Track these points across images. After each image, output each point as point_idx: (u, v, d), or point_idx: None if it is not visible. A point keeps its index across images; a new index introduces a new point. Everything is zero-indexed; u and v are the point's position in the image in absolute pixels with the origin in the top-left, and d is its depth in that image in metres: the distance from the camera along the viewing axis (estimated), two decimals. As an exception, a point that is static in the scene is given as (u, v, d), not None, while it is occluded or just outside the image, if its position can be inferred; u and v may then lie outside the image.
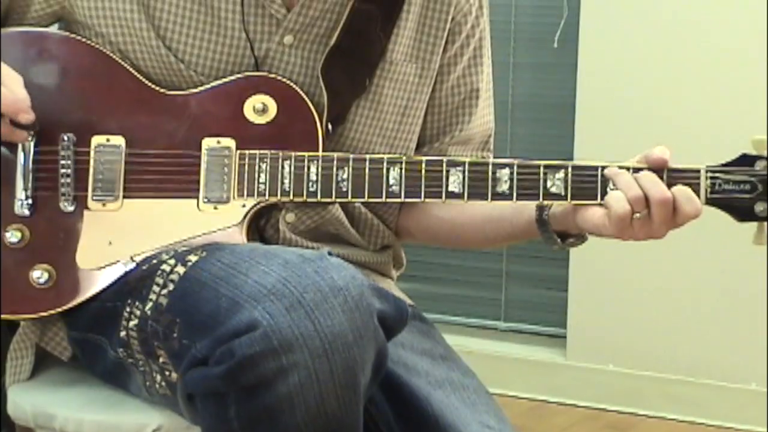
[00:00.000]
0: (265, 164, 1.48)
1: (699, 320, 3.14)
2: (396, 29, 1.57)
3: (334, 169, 1.47)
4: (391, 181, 1.47)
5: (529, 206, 1.50)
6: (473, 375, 1.58)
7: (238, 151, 1.49)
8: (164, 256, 1.43)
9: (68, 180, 1.49)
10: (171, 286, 1.37)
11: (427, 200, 1.47)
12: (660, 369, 3.19)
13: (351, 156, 1.48)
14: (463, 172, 1.46)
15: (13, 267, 1.48)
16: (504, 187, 1.45)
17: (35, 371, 1.56)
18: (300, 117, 1.50)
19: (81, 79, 1.51)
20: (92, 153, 1.49)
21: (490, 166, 1.45)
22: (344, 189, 1.47)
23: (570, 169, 1.44)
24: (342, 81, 1.53)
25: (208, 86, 1.51)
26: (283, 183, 1.48)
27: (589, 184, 1.44)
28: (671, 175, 1.42)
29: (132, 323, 1.42)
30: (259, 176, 1.48)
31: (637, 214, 1.41)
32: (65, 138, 1.49)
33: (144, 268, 1.44)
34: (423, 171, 1.46)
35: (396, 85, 1.59)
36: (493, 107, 1.71)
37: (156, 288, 1.39)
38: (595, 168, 1.44)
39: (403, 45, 1.59)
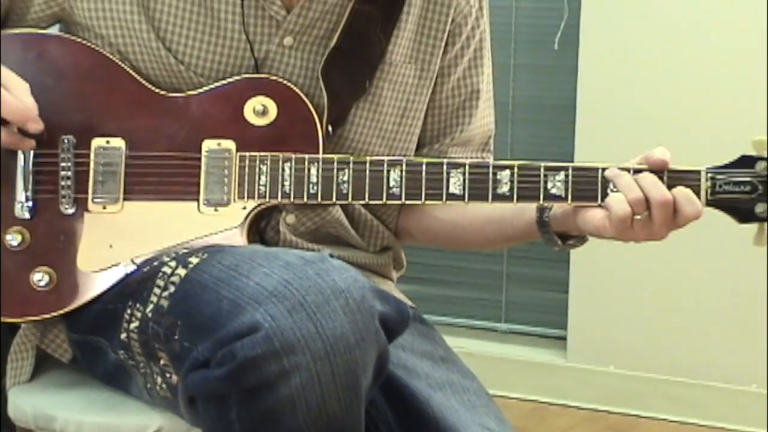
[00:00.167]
0: (265, 166, 1.48)
1: (700, 322, 3.14)
2: (396, 31, 1.57)
3: (335, 170, 1.47)
4: (392, 183, 1.47)
5: (530, 207, 1.50)
6: (473, 377, 1.58)
7: (239, 153, 1.48)
8: (165, 258, 1.43)
9: (68, 182, 1.49)
10: (172, 288, 1.37)
11: (427, 202, 1.47)
12: (661, 371, 3.19)
13: (351, 158, 1.47)
14: (464, 173, 1.46)
15: (14, 270, 1.48)
16: (504, 188, 1.45)
17: (35, 373, 1.56)
18: (300, 119, 1.50)
19: (81, 81, 1.51)
20: (92, 155, 1.49)
21: (491, 168, 1.45)
22: (345, 191, 1.47)
23: (570, 171, 1.44)
24: (342, 82, 1.53)
25: (207, 88, 1.51)
26: (283, 185, 1.48)
27: (589, 186, 1.44)
28: (671, 177, 1.42)
29: (133, 325, 1.42)
30: (259, 178, 1.48)
31: (638, 216, 1.41)
32: (65, 140, 1.49)
33: (145, 270, 1.44)
34: (423, 173, 1.46)
35: (395, 86, 1.59)
36: (493, 108, 1.71)
37: (157, 290, 1.39)
38: (596, 169, 1.44)
39: (402, 46, 1.58)
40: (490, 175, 1.45)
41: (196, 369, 1.28)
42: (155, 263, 1.44)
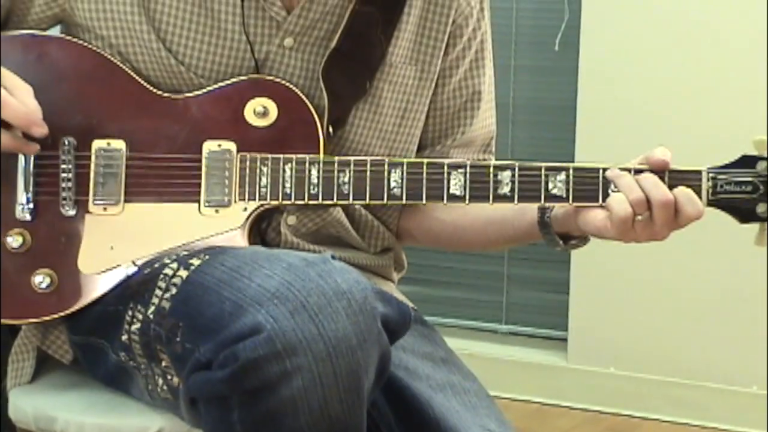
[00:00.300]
0: (266, 167, 1.48)
1: (700, 323, 3.14)
2: (396, 32, 1.57)
3: (336, 172, 1.47)
4: (393, 184, 1.47)
5: (531, 208, 1.50)
6: (474, 378, 1.58)
7: (239, 155, 1.48)
8: (166, 260, 1.42)
9: (69, 184, 1.49)
10: (174, 290, 1.37)
11: (428, 203, 1.47)
12: (661, 372, 3.19)
13: (352, 159, 1.47)
14: (465, 174, 1.46)
15: (15, 272, 1.48)
16: (505, 189, 1.45)
17: (36, 374, 1.56)
18: (301, 120, 1.50)
19: (81, 83, 1.51)
20: (93, 157, 1.49)
21: (492, 169, 1.45)
22: (346, 192, 1.47)
23: (571, 171, 1.44)
24: (342, 84, 1.53)
25: (208, 89, 1.51)
26: (284, 186, 1.47)
27: (590, 186, 1.44)
28: (672, 177, 1.42)
29: (134, 327, 1.42)
30: (260, 179, 1.48)
31: (639, 217, 1.41)
32: (66, 142, 1.49)
33: (146, 271, 1.44)
34: (424, 173, 1.46)
35: (395, 87, 1.59)
36: (494, 110, 1.71)
37: (158, 292, 1.38)
38: (597, 170, 1.44)
39: (402, 48, 1.58)
40: (491, 176, 1.45)
41: (197, 370, 1.28)
42: (156, 265, 1.43)
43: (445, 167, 1.46)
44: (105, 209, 1.49)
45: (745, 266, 3.00)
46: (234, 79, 1.51)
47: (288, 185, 1.47)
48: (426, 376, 1.52)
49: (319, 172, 1.47)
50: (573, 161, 3.06)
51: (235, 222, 1.48)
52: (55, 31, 1.58)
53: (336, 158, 1.47)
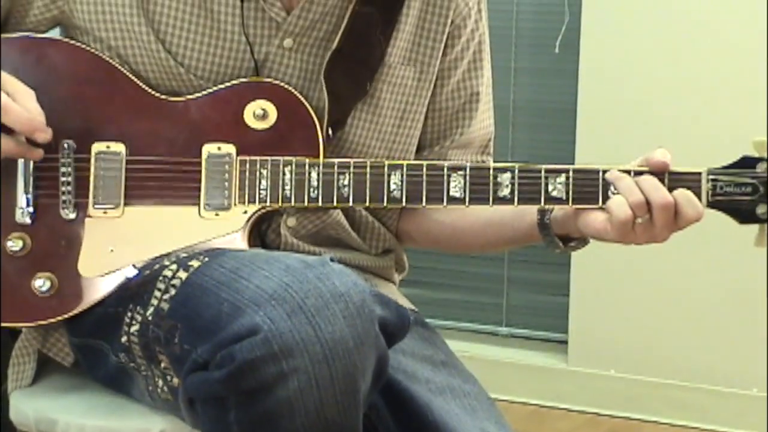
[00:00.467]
0: (265, 170, 1.48)
1: (700, 326, 3.13)
2: (395, 33, 1.57)
3: (335, 174, 1.47)
4: (393, 186, 1.47)
5: (531, 210, 1.50)
6: (474, 381, 1.58)
7: (239, 158, 1.48)
8: (166, 262, 1.42)
9: (69, 188, 1.49)
10: (173, 291, 1.37)
11: (428, 205, 1.47)
12: (662, 374, 3.19)
13: (352, 161, 1.47)
14: (465, 176, 1.46)
15: (15, 275, 1.48)
16: (505, 191, 1.45)
17: (37, 377, 1.56)
18: (300, 122, 1.50)
19: (80, 86, 1.50)
20: (93, 160, 1.49)
21: (492, 171, 1.45)
22: (346, 194, 1.47)
23: (571, 173, 1.44)
24: (343, 85, 1.53)
25: (207, 92, 1.51)
26: (284, 189, 1.47)
27: (590, 188, 1.44)
28: (672, 179, 1.42)
29: (133, 328, 1.42)
30: (260, 182, 1.48)
31: (639, 219, 1.41)
32: (65, 145, 1.49)
33: (146, 273, 1.44)
34: (424, 176, 1.46)
35: (394, 89, 1.59)
36: (492, 111, 1.71)
37: (158, 293, 1.38)
38: (596, 172, 1.44)
39: (400, 48, 1.58)
40: (491, 178, 1.45)
41: (195, 371, 1.28)
42: (156, 267, 1.43)
43: (445, 169, 1.46)
44: (105, 212, 1.49)
45: (745, 268, 3.00)
46: (233, 82, 1.51)
47: (288, 188, 1.47)
48: (425, 379, 1.51)
49: (318, 174, 1.47)
50: (573, 163, 3.05)
51: (236, 225, 1.48)
52: (54, 34, 1.58)
53: (336, 160, 1.47)
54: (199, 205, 1.48)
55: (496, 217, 1.57)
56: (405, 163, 1.47)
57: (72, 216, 1.49)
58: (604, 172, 1.43)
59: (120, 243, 1.48)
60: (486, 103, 1.69)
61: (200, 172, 1.48)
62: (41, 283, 1.47)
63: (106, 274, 1.48)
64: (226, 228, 1.48)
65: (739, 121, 2.93)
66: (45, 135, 1.43)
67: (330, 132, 1.52)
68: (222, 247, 1.46)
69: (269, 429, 1.24)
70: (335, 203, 1.48)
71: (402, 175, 1.47)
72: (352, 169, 1.47)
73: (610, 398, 3.24)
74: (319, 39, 1.54)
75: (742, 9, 2.99)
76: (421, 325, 1.64)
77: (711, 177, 1.42)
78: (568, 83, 3.22)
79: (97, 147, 1.49)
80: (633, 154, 1.49)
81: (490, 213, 1.55)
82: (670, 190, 1.41)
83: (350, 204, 1.48)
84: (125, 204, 1.49)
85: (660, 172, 1.42)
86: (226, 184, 1.48)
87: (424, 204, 1.47)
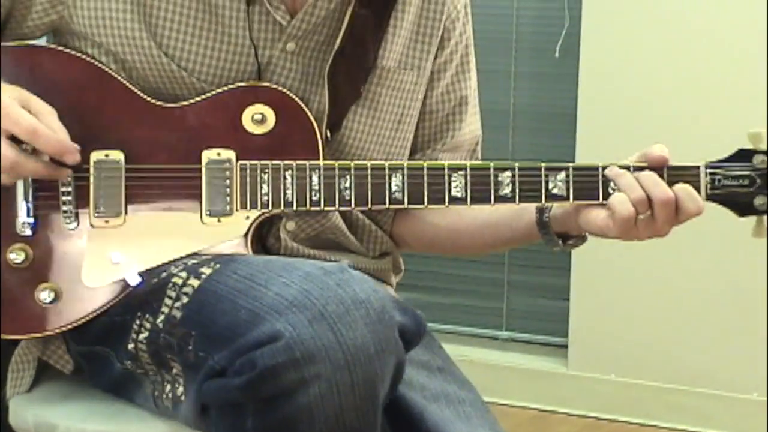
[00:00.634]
0: (266, 175, 1.47)
1: (701, 330, 3.13)
2: (391, 36, 1.58)
3: (336, 177, 1.47)
4: (394, 188, 1.47)
5: (529, 209, 1.51)
6: (471, 387, 1.58)
7: (239, 163, 1.48)
8: (173, 269, 1.42)
9: (69, 197, 1.47)
10: (185, 299, 1.36)
11: (430, 206, 1.47)
12: (662, 379, 3.19)
13: (353, 163, 1.47)
14: (465, 176, 1.46)
15: (18, 287, 1.47)
16: (506, 190, 1.46)
17: (36, 383, 1.55)
18: (299, 126, 1.50)
19: (75, 94, 1.49)
20: (92, 169, 1.48)
21: (492, 170, 1.46)
22: (347, 197, 1.47)
23: (571, 170, 1.45)
24: (342, 87, 1.54)
25: (203, 97, 1.50)
26: (285, 193, 1.47)
27: (590, 185, 1.44)
28: (671, 173, 1.43)
29: (142, 336, 1.41)
30: (261, 187, 1.47)
31: (641, 216, 1.41)
32: None
33: (153, 281, 1.43)
34: (425, 177, 1.46)
35: (393, 92, 1.59)
36: (479, 114, 1.72)
37: (168, 301, 1.38)
38: (596, 168, 1.45)
39: (397, 53, 1.59)
40: (492, 178, 1.46)
41: (212, 378, 1.28)
42: (163, 274, 1.43)
43: (446, 170, 1.46)
44: (107, 221, 1.48)
45: (745, 272, 3.00)
46: (229, 87, 1.50)
47: (289, 192, 1.47)
48: (420, 386, 1.51)
49: (320, 178, 1.47)
50: (573, 168, 3.06)
51: (238, 231, 1.48)
52: (41, 42, 1.56)
53: (336, 163, 1.47)
54: (200, 211, 1.48)
55: (493, 217, 1.57)
56: (406, 164, 1.47)
57: (73, 226, 1.48)
58: (604, 168, 1.44)
59: (123, 252, 1.47)
60: (474, 106, 1.70)
61: (200, 178, 1.48)
62: (45, 294, 1.46)
63: (110, 283, 1.47)
64: (228, 234, 1.48)
65: (739, 126, 2.92)
66: (75, 157, 1.42)
67: (328, 135, 1.53)
68: (231, 254, 1.45)
69: None
70: (337, 206, 1.47)
71: (403, 177, 1.47)
72: (353, 172, 1.47)
73: (611, 402, 3.24)
74: (320, 42, 1.54)
75: (742, 12, 2.99)
76: (419, 330, 1.64)
77: (709, 171, 1.43)
78: (568, 88, 3.22)
79: (96, 155, 1.48)
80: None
81: (487, 214, 1.55)
82: (670, 184, 1.41)
83: (352, 207, 1.48)
84: (126, 212, 1.48)
85: (659, 168, 1.43)
86: (228, 190, 1.48)
87: (426, 205, 1.47)
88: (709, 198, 1.43)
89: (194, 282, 1.37)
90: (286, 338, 1.22)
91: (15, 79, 1.45)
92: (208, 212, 1.48)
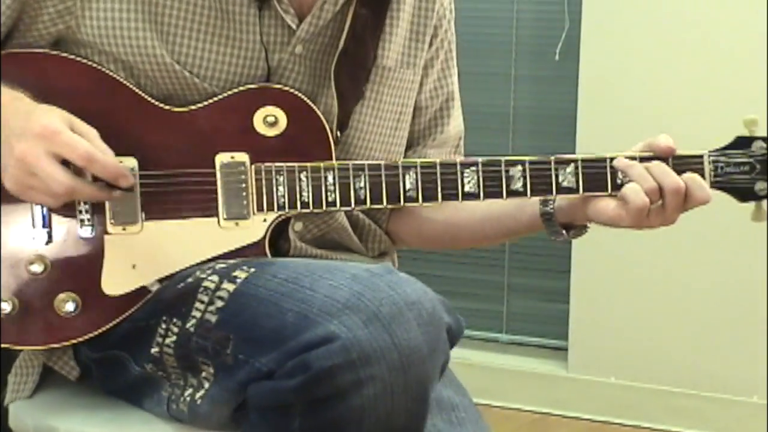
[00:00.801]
0: (282, 177, 1.47)
1: (701, 333, 3.13)
2: (388, 35, 1.59)
3: (351, 177, 1.47)
4: (408, 186, 1.48)
5: (532, 201, 1.52)
6: (465, 392, 1.59)
7: (253, 166, 1.48)
8: (201, 274, 1.42)
9: (86, 206, 1.45)
10: (219, 303, 1.36)
11: (444, 202, 1.48)
12: (662, 381, 3.19)
13: (366, 163, 1.48)
14: (478, 172, 1.47)
15: (38, 297, 1.45)
16: (518, 184, 1.47)
17: (36, 389, 1.54)
18: (310, 127, 1.50)
19: (85, 101, 1.46)
20: None
21: (503, 164, 1.47)
22: (362, 196, 1.48)
23: (580, 163, 1.47)
24: (347, 86, 1.54)
25: (212, 100, 1.49)
26: (301, 195, 1.47)
27: (599, 176, 1.46)
28: (676, 163, 1.46)
29: (169, 340, 1.41)
30: (277, 189, 1.47)
31: (652, 205, 1.44)
32: None
33: (179, 286, 1.43)
34: (438, 174, 1.47)
35: (394, 91, 1.61)
36: (461, 110, 1.73)
37: (200, 305, 1.38)
38: (604, 160, 1.47)
39: (395, 51, 1.60)
40: (503, 172, 1.47)
41: (257, 380, 1.28)
42: (189, 279, 1.42)
43: (458, 166, 1.47)
44: (124, 229, 1.46)
45: (745, 275, 3.00)
46: (239, 89, 1.50)
47: (305, 193, 1.47)
48: None
49: (335, 178, 1.47)
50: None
51: (257, 234, 1.48)
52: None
53: (350, 163, 1.48)
54: (218, 215, 1.47)
55: (493, 210, 1.58)
56: (419, 162, 1.48)
57: (91, 234, 1.46)
58: (611, 159, 1.46)
59: (142, 259, 1.46)
60: (458, 101, 1.72)
61: (216, 182, 1.47)
62: (66, 303, 1.45)
63: (131, 290, 1.46)
64: (247, 237, 1.48)
65: (741, 128, 2.92)
66: (129, 180, 1.41)
67: (338, 135, 1.53)
68: (247, 257, 1.45)
69: None
70: (353, 206, 1.48)
71: (416, 174, 1.48)
72: (367, 171, 1.47)
73: (610, 405, 3.24)
74: (324, 44, 1.55)
75: (742, 15, 2.99)
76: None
77: (712, 158, 1.47)
78: (568, 90, 3.23)
79: None
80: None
81: (486, 207, 1.56)
82: (677, 173, 1.44)
83: (368, 205, 1.48)
84: (144, 219, 1.46)
85: (665, 157, 1.45)
86: (244, 193, 1.47)
87: (440, 201, 1.48)
88: (713, 185, 1.46)
89: (229, 286, 1.37)
90: (342, 339, 1.22)
91: (23, 85, 1.43)
92: (225, 216, 1.47)
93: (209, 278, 1.40)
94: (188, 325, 1.38)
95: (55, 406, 1.52)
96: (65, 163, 1.36)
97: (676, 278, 3.12)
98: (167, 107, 1.49)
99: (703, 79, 3.05)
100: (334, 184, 1.47)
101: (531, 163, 1.47)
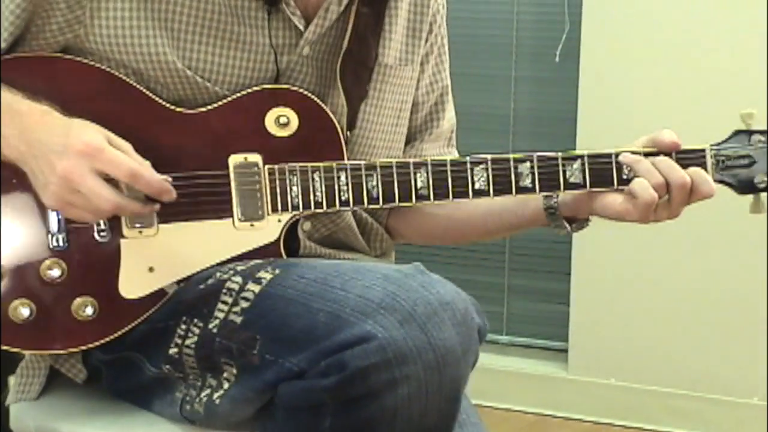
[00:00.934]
0: (295, 177, 1.48)
1: (701, 334, 3.13)
2: (388, 34, 1.60)
3: (363, 176, 1.48)
4: (420, 184, 1.49)
5: (535, 195, 1.53)
6: (464, 394, 1.58)
7: (267, 166, 1.48)
8: (222, 276, 1.42)
9: None
10: (245, 304, 1.36)
11: (455, 200, 1.49)
12: (662, 383, 3.19)
13: (378, 162, 1.49)
14: (487, 169, 1.48)
15: (56, 302, 1.45)
16: (527, 180, 1.48)
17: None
18: (321, 127, 1.50)
19: (97, 104, 1.45)
20: None
21: (512, 162, 1.48)
22: (375, 195, 1.48)
23: (586, 159, 1.48)
24: (352, 86, 1.55)
25: (223, 102, 1.49)
26: (315, 194, 1.48)
27: (605, 172, 1.48)
28: (679, 157, 1.48)
29: (189, 341, 1.41)
30: (291, 190, 1.48)
31: (660, 199, 1.45)
32: None
33: (200, 287, 1.43)
34: (449, 171, 1.48)
35: (394, 89, 1.62)
36: (455, 110, 1.75)
37: (223, 306, 1.38)
38: (609, 155, 1.48)
39: (394, 50, 1.61)
40: (512, 169, 1.47)
41: (287, 380, 1.28)
42: (210, 280, 1.42)
43: (468, 164, 1.48)
44: (140, 232, 1.46)
45: (745, 277, 3.00)
46: (249, 90, 1.50)
47: (319, 193, 1.48)
48: None
49: (347, 177, 1.48)
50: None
51: (272, 234, 1.48)
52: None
53: (362, 162, 1.48)
54: (233, 217, 1.47)
55: (495, 205, 1.59)
56: (429, 160, 1.49)
57: (107, 238, 1.46)
58: (617, 155, 1.48)
59: (158, 261, 1.46)
60: (450, 93, 1.73)
61: (229, 183, 1.47)
62: (83, 307, 1.45)
63: (149, 293, 1.46)
64: (262, 238, 1.48)
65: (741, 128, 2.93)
66: (172, 195, 1.41)
67: (348, 134, 1.54)
68: (263, 258, 1.45)
69: None
70: (366, 205, 1.49)
71: (428, 173, 1.49)
72: (379, 170, 1.48)
73: (610, 407, 3.24)
74: (330, 45, 1.56)
75: (742, 18, 2.99)
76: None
77: (713, 152, 1.50)
78: (568, 92, 3.22)
79: None
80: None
81: (488, 202, 1.57)
82: (682, 168, 1.46)
83: (380, 204, 1.49)
84: (159, 222, 1.46)
85: (669, 152, 1.48)
86: (258, 194, 1.47)
87: (451, 199, 1.49)
88: (715, 179, 1.48)
89: (254, 287, 1.37)
90: (379, 339, 1.23)
91: (34, 89, 1.42)
92: (240, 217, 1.47)
93: (232, 279, 1.40)
94: (211, 325, 1.38)
95: (57, 409, 1.52)
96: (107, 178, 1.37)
97: (676, 280, 3.12)
98: (179, 109, 1.49)
99: (704, 80, 3.05)
100: (347, 184, 1.48)
101: (539, 159, 1.48)
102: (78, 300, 1.45)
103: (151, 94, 1.48)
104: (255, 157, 1.47)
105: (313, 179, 1.47)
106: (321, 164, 1.47)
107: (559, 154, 1.48)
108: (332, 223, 1.57)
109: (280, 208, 1.48)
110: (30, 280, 1.44)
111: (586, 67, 3.16)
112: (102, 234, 1.46)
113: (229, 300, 1.38)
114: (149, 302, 1.46)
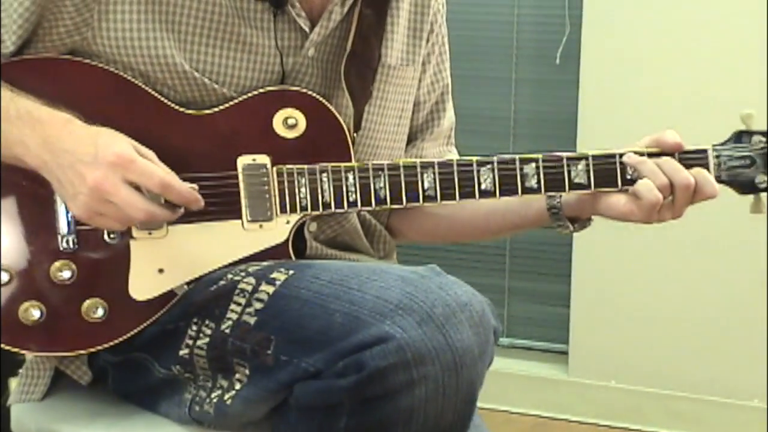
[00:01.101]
0: (303, 178, 1.48)
1: (701, 337, 3.13)
2: (390, 34, 1.60)
3: (371, 177, 1.48)
4: (427, 185, 1.49)
5: (538, 196, 1.53)
6: None
7: (275, 168, 1.48)
8: (234, 277, 1.42)
9: None
10: (258, 305, 1.36)
11: (461, 200, 1.50)
12: (662, 385, 3.19)
13: (385, 163, 1.49)
14: (493, 170, 1.49)
15: (66, 303, 1.45)
16: (533, 181, 1.49)
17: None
18: (329, 128, 1.51)
19: (104, 106, 1.45)
20: None
21: (518, 163, 1.49)
22: (382, 196, 1.49)
23: (590, 159, 1.49)
24: (356, 87, 1.56)
25: (231, 103, 1.49)
26: (323, 195, 1.48)
27: (609, 172, 1.48)
28: (681, 157, 1.49)
29: (200, 342, 1.41)
30: (299, 191, 1.48)
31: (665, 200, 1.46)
32: None
33: (212, 288, 1.43)
34: (455, 173, 1.49)
35: (397, 89, 1.62)
36: (454, 111, 1.76)
37: (236, 307, 1.38)
38: (613, 156, 1.49)
39: (397, 50, 1.62)
40: (518, 170, 1.48)
41: (302, 380, 1.28)
42: (221, 282, 1.42)
43: (474, 164, 1.49)
44: (150, 233, 1.46)
45: (745, 279, 3.00)
46: (257, 92, 1.50)
47: (327, 194, 1.48)
48: None
49: (355, 179, 1.48)
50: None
51: (281, 235, 1.48)
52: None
53: (370, 163, 1.49)
54: (242, 218, 1.47)
55: (499, 205, 1.60)
56: (436, 161, 1.50)
57: (117, 240, 1.46)
58: (621, 155, 1.49)
59: (168, 263, 1.46)
60: (450, 92, 1.73)
61: (238, 185, 1.47)
62: (93, 309, 1.44)
63: (158, 295, 1.46)
64: (271, 239, 1.48)
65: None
66: (200, 204, 1.41)
67: (354, 135, 1.54)
68: (272, 259, 1.45)
69: None
70: (373, 206, 1.49)
71: (434, 174, 1.49)
72: (386, 171, 1.48)
73: (611, 409, 3.24)
74: (334, 46, 1.56)
75: (743, 19, 2.99)
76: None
77: (716, 153, 1.51)
78: (569, 94, 3.23)
79: None
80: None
81: (491, 202, 1.57)
82: (685, 168, 1.47)
83: (388, 205, 1.49)
84: (168, 223, 1.45)
85: (671, 152, 1.48)
86: (266, 195, 1.48)
87: (457, 200, 1.49)
88: (717, 179, 1.49)
89: (268, 288, 1.37)
90: (397, 339, 1.23)
91: (40, 91, 1.42)
92: (249, 218, 1.47)
93: (245, 280, 1.40)
94: (223, 326, 1.38)
95: (59, 410, 1.52)
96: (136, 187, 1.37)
97: (677, 282, 3.12)
98: (188, 111, 1.48)
99: (704, 81, 3.05)
100: (355, 185, 1.48)
101: (544, 160, 1.49)
102: (88, 302, 1.45)
103: (159, 96, 1.48)
104: (263, 159, 1.48)
105: (321, 180, 1.48)
106: (329, 165, 1.48)
107: (564, 154, 1.49)
108: (338, 224, 1.58)
109: (288, 209, 1.48)
110: (40, 282, 1.44)
111: (586, 69, 3.17)
112: (111, 236, 1.46)
113: (243, 301, 1.38)
114: (159, 304, 1.46)
